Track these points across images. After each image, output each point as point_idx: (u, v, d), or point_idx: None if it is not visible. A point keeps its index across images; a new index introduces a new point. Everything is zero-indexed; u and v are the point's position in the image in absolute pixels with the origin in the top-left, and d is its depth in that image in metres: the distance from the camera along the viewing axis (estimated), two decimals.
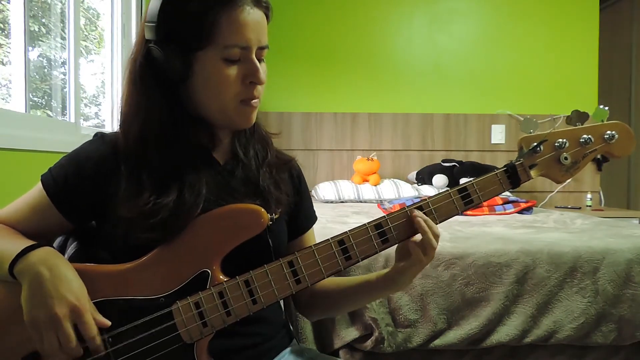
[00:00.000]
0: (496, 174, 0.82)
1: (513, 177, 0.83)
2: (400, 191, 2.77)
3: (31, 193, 0.81)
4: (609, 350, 1.36)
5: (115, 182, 0.77)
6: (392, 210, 2.28)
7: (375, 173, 2.88)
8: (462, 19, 3.25)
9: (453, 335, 1.29)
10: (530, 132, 0.86)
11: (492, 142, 3.21)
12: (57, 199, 0.78)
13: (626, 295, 1.32)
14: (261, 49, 0.79)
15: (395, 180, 2.90)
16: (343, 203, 2.77)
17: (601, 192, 3.27)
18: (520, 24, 3.24)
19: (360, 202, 2.79)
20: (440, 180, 2.81)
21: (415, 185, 2.91)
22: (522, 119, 0.88)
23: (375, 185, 2.83)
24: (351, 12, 3.20)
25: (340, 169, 3.19)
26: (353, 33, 3.21)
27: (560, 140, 0.84)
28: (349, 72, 3.22)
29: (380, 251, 0.78)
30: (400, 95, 3.24)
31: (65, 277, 0.68)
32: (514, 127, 3.21)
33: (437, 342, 1.28)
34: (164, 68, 0.76)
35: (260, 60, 0.79)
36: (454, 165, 2.90)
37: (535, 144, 0.84)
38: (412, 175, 3.08)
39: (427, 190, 2.79)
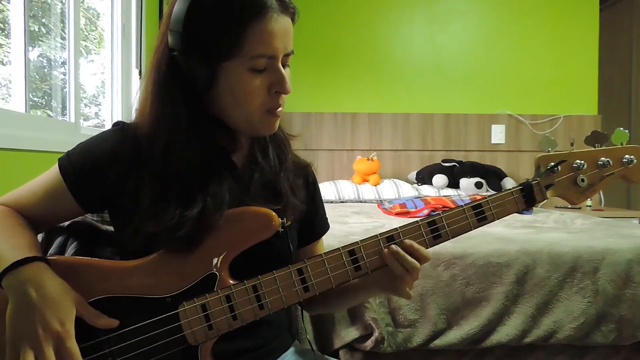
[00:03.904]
0: (512, 192, 0.81)
1: (528, 196, 0.81)
2: (400, 191, 2.77)
3: (47, 177, 0.80)
4: (609, 350, 1.36)
5: (133, 177, 0.76)
6: (393, 211, 2.27)
7: (375, 173, 2.88)
8: (462, 19, 3.25)
9: (453, 335, 1.28)
10: (549, 151, 0.85)
11: (492, 142, 3.21)
12: (73, 185, 0.78)
13: (626, 295, 1.32)
14: (287, 55, 0.77)
15: (395, 180, 2.90)
16: (343, 203, 2.77)
17: (601, 192, 3.27)
18: (520, 24, 3.24)
19: (360, 202, 2.78)
20: (440, 180, 2.81)
21: (415, 185, 2.91)
22: (543, 137, 0.89)
23: (375, 185, 2.83)
24: (351, 12, 3.20)
25: (340, 169, 3.19)
26: (353, 33, 3.21)
27: (579, 161, 0.83)
28: (349, 72, 3.22)
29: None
30: (400, 95, 3.24)
31: (52, 299, 0.66)
32: (514, 127, 3.21)
33: (437, 342, 1.28)
34: (188, 77, 0.74)
35: (284, 66, 0.77)
36: (454, 165, 2.90)
37: (553, 164, 0.83)
38: (412, 175, 3.08)
39: (427, 190, 2.79)
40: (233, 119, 0.78)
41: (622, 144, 0.86)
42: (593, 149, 0.85)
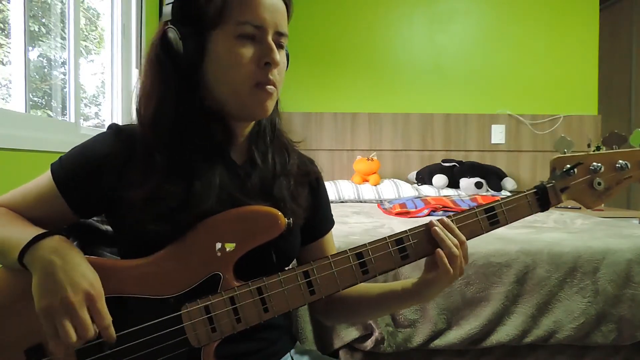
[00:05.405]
0: (526, 195, 0.79)
1: (543, 199, 0.79)
2: (400, 191, 2.77)
3: (40, 181, 0.78)
4: (609, 350, 1.36)
5: (127, 175, 0.75)
6: (393, 211, 2.27)
7: (375, 173, 2.88)
8: (462, 19, 3.25)
9: (453, 335, 1.28)
10: (565, 152, 0.82)
11: (492, 142, 3.21)
12: (66, 190, 0.76)
13: (626, 295, 1.32)
14: (280, 35, 0.76)
15: (395, 180, 2.90)
16: (343, 203, 2.77)
17: None
18: (520, 24, 3.24)
19: (360, 202, 2.78)
20: (440, 180, 2.81)
21: (415, 185, 2.91)
22: (560, 138, 0.86)
23: (375, 185, 2.83)
24: (351, 12, 3.20)
25: (340, 169, 3.19)
26: (353, 33, 3.21)
27: (596, 164, 0.80)
28: (349, 72, 3.22)
29: (398, 267, 0.76)
30: (400, 95, 3.24)
31: (78, 265, 0.65)
32: (514, 127, 3.21)
33: (437, 342, 1.28)
34: (178, 49, 0.74)
35: (280, 47, 0.77)
36: (454, 165, 2.90)
37: (569, 166, 0.80)
38: (412, 175, 3.08)
39: (427, 190, 2.79)
40: (223, 96, 0.76)
41: None
42: (611, 150, 0.82)
